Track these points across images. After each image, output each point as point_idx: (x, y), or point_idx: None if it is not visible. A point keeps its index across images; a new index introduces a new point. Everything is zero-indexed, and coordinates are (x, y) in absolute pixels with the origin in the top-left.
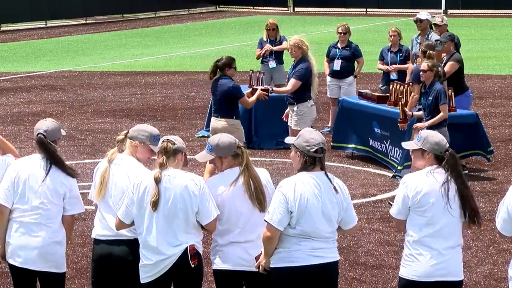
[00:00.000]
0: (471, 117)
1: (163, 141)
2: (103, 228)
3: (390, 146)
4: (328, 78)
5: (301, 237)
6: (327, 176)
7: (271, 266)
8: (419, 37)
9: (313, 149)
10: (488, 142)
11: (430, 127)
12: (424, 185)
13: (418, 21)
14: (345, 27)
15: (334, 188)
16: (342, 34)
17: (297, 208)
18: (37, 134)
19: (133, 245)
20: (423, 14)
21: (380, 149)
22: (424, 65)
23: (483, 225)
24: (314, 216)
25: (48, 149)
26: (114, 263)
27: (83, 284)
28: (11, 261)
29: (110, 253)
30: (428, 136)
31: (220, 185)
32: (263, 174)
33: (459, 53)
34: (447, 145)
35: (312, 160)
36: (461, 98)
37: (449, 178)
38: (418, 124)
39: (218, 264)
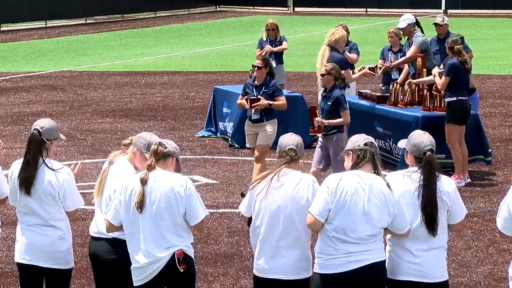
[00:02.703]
0: (471, 118)
1: (154, 144)
2: (92, 225)
3: (393, 144)
4: None
5: (336, 239)
6: (381, 177)
7: (314, 271)
8: (408, 40)
9: (363, 143)
10: (487, 143)
11: (329, 129)
12: (399, 186)
13: (401, 29)
14: (342, 26)
15: (388, 186)
16: None
17: (335, 202)
18: (33, 130)
19: (113, 243)
20: (403, 21)
21: (384, 147)
22: (323, 69)
23: (483, 225)
24: (354, 214)
25: (31, 148)
26: (97, 260)
27: (83, 284)
28: (19, 260)
29: (95, 251)
30: (412, 136)
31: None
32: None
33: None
34: (428, 147)
35: (363, 154)
36: (469, 101)
37: (422, 182)
38: (318, 119)
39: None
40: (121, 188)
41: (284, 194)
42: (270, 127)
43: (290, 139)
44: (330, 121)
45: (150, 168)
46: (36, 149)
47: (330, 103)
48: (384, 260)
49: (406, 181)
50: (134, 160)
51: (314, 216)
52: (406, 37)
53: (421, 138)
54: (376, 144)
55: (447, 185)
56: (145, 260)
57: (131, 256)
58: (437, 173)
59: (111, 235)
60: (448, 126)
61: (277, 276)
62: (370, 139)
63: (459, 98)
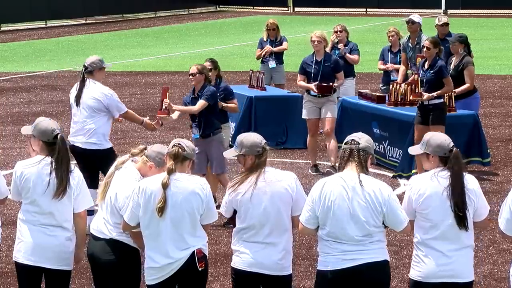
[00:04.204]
0: (470, 118)
1: (174, 145)
2: (93, 222)
3: (388, 146)
4: None
5: (331, 240)
6: (359, 177)
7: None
8: (410, 40)
9: (346, 141)
10: (486, 145)
11: (208, 131)
12: (427, 188)
13: (410, 23)
14: (340, 26)
15: (361, 185)
16: (338, 33)
17: (320, 208)
18: (56, 134)
19: (112, 244)
20: (416, 16)
21: (378, 150)
22: (194, 68)
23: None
24: (341, 218)
25: (68, 151)
26: (95, 260)
27: (83, 284)
28: (24, 261)
29: (93, 251)
30: (430, 139)
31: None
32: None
33: (470, 54)
34: (451, 144)
35: (348, 153)
36: (470, 101)
37: (451, 180)
38: (166, 100)
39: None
40: (138, 191)
41: (271, 193)
42: (219, 140)
43: (257, 136)
44: (183, 108)
45: (171, 172)
46: (68, 153)
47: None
48: (384, 261)
49: (434, 183)
50: (147, 172)
51: (302, 224)
52: (408, 35)
53: (441, 137)
54: (363, 139)
55: (471, 182)
56: (165, 261)
57: (149, 256)
58: None
59: (109, 235)
60: (441, 128)
61: (262, 271)
62: (354, 136)
63: (444, 99)
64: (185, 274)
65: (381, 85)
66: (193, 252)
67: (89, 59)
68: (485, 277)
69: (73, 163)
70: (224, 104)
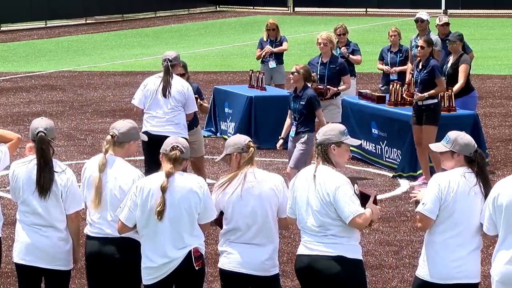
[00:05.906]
0: (470, 118)
1: (173, 148)
2: (93, 228)
3: (386, 147)
4: None
5: (301, 229)
6: (315, 169)
7: None
8: (418, 37)
9: None
10: (485, 145)
11: (301, 128)
12: (457, 187)
13: (419, 21)
14: (342, 28)
15: (314, 179)
16: (341, 36)
17: (291, 198)
18: (38, 133)
19: (118, 242)
20: (424, 14)
21: (374, 151)
22: (295, 69)
23: None
24: (301, 207)
25: (44, 149)
26: (103, 260)
27: (83, 284)
28: (19, 260)
29: (100, 249)
30: (458, 138)
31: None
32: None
33: (467, 53)
34: (475, 144)
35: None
36: (467, 100)
37: (479, 180)
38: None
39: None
40: (136, 190)
41: (259, 194)
42: (199, 134)
43: (242, 136)
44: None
45: (170, 175)
46: (48, 151)
47: (303, 103)
48: (339, 256)
49: (462, 181)
50: (129, 151)
51: (287, 214)
52: (417, 33)
53: (468, 136)
54: (321, 134)
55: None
56: (162, 260)
57: (146, 256)
58: None
59: (117, 234)
60: (432, 128)
61: (249, 271)
62: (317, 132)
63: (438, 99)
64: (182, 273)
65: (380, 85)
66: (190, 251)
67: (171, 54)
68: (485, 277)
69: (66, 164)
70: (202, 102)
